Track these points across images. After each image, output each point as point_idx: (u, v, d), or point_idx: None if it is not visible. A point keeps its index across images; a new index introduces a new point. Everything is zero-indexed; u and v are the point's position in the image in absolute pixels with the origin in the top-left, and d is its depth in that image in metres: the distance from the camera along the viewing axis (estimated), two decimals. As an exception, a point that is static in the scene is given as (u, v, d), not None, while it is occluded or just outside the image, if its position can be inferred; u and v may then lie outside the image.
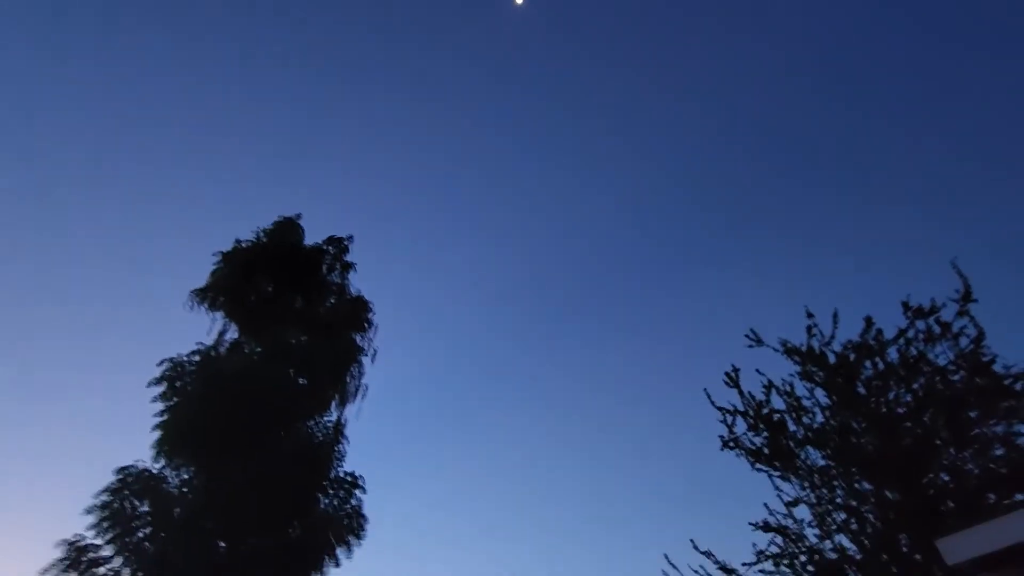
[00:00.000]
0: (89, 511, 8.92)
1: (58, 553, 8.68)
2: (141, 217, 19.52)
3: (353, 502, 11.06)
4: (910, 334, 7.52)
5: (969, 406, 7.08)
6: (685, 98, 21.57)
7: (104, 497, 9.03)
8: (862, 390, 7.80)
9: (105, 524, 8.81)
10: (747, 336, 8.73)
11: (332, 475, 11.16)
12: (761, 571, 8.02)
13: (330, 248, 13.11)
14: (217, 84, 20.36)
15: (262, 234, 12.79)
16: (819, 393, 8.23)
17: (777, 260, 21.67)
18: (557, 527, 19.42)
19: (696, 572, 7.99)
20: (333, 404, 11.78)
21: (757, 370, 8.60)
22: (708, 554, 8.25)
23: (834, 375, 7.92)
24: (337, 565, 10.43)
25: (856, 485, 7.92)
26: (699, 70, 21.23)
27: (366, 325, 12.57)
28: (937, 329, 7.37)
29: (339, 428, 11.60)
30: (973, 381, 7.09)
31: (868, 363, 7.78)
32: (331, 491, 11.05)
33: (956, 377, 7.25)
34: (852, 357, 7.87)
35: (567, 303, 23.49)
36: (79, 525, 8.99)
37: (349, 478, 11.28)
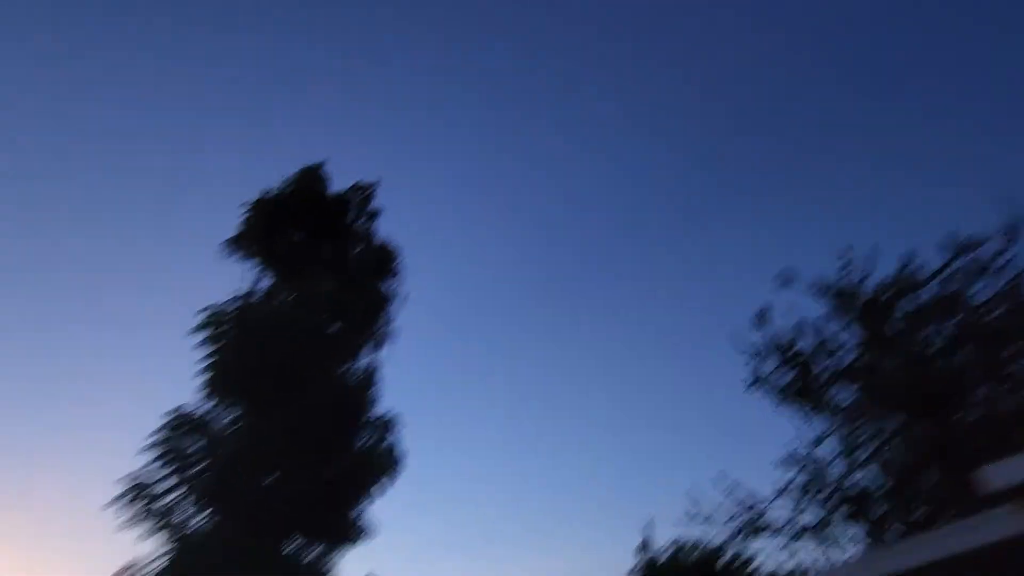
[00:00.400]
0: (147, 448, 9.54)
1: (121, 488, 9.36)
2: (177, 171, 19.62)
3: (388, 443, 11.54)
4: (950, 270, 7.39)
5: (1007, 342, 7.02)
6: (717, 49, 20.59)
7: (161, 435, 9.62)
8: (896, 327, 7.76)
9: (163, 460, 9.42)
10: (779, 277, 8.68)
11: (367, 418, 11.61)
12: (786, 502, 8.28)
13: (356, 196, 13.14)
14: (239, 30, 19.91)
15: (288, 184, 12.84)
16: (851, 331, 8.22)
17: (811, 203, 21.16)
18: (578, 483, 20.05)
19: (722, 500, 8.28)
20: (365, 350, 12.12)
21: (787, 310, 8.60)
22: (733, 487, 8.51)
23: (868, 312, 7.88)
24: (373, 501, 11.03)
25: (883, 421, 8.00)
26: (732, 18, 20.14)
27: (394, 272, 12.75)
28: (978, 266, 7.22)
29: (371, 372, 11.99)
30: (1012, 318, 6.99)
31: (904, 301, 7.70)
32: (366, 432, 11.53)
33: (995, 314, 7.16)
34: (887, 295, 7.79)
35: (595, 253, 23.42)
36: (133, 464, 9.64)
37: (383, 421, 11.73)
